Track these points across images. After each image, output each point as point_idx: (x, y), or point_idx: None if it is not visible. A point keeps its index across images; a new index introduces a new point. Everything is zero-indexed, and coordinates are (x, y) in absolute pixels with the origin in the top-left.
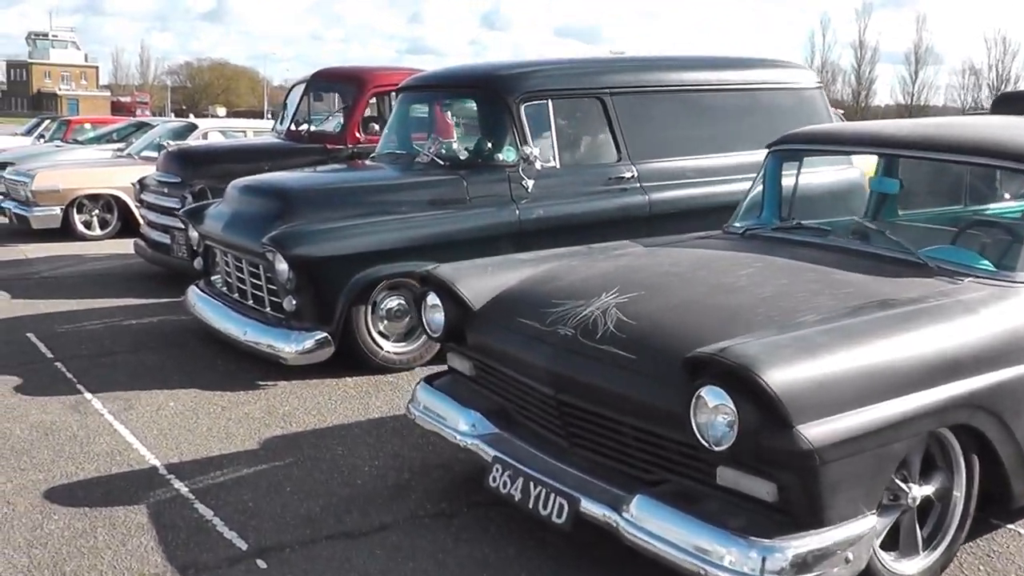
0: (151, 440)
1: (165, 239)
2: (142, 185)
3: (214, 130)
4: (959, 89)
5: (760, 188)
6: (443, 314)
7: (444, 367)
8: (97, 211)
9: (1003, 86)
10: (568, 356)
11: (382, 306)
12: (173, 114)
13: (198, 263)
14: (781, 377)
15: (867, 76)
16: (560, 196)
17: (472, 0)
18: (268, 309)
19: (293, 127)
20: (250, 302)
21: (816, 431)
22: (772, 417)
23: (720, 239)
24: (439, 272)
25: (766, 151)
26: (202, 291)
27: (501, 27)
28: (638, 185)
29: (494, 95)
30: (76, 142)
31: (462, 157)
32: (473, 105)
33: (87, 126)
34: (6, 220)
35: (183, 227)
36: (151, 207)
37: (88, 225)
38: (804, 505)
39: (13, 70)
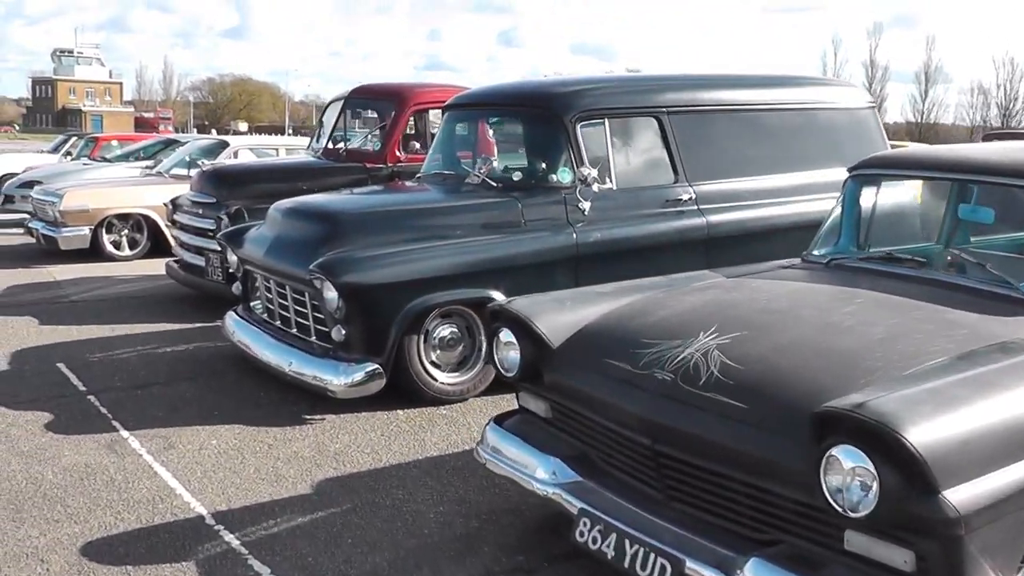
0: (195, 484)
1: (199, 261)
2: (175, 205)
3: (245, 148)
4: (968, 108)
5: (839, 213)
6: (519, 352)
7: (500, 397)
8: (127, 231)
9: (1011, 105)
10: (667, 404)
11: (434, 335)
12: (195, 129)
13: (237, 288)
14: (925, 436)
15: (878, 94)
16: (617, 219)
17: (489, 18)
18: (314, 339)
19: (330, 145)
20: (294, 331)
21: (962, 495)
22: (917, 481)
23: (804, 269)
24: (514, 307)
25: (845, 175)
26: (241, 317)
27: (518, 44)
28: (696, 207)
29: (549, 114)
30: (104, 160)
31: (515, 178)
32: (526, 124)
33: (114, 143)
34: (33, 240)
35: (219, 250)
36: (184, 228)
37: (117, 245)
38: (944, 574)
39: (38, 86)
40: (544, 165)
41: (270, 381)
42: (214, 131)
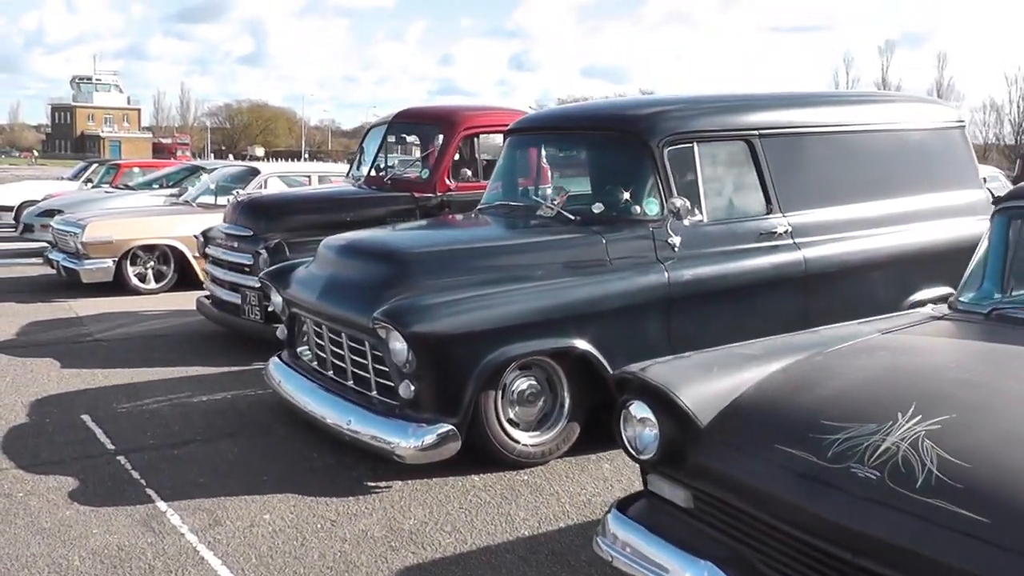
0: (250, 574)
1: (234, 298)
2: (206, 238)
3: (276, 176)
4: (981, 126)
5: (985, 253)
6: (657, 430)
7: (585, 459)
8: (152, 263)
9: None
10: (874, 510)
11: (512, 389)
12: (212, 155)
13: (282, 333)
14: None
15: None
16: (709, 255)
17: (501, 42)
18: (375, 393)
19: (374, 173)
20: (351, 383)
21: None
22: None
23: (965, 320)
24: (651, 375)
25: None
26: (287, 365)
27: (529, 68)
28: (791, 241)
29: (633, 138)
30: (126, 187)
31: (596, 210)
32: (605, 150)
33: (136, 170)
34: (53, 271)
35: (257, 287)
36: (217, 262)
37: (142, 278)
38: None
39: (58, 113)
40: (627, 195)
41: (323, 439)
42: (231, 156)
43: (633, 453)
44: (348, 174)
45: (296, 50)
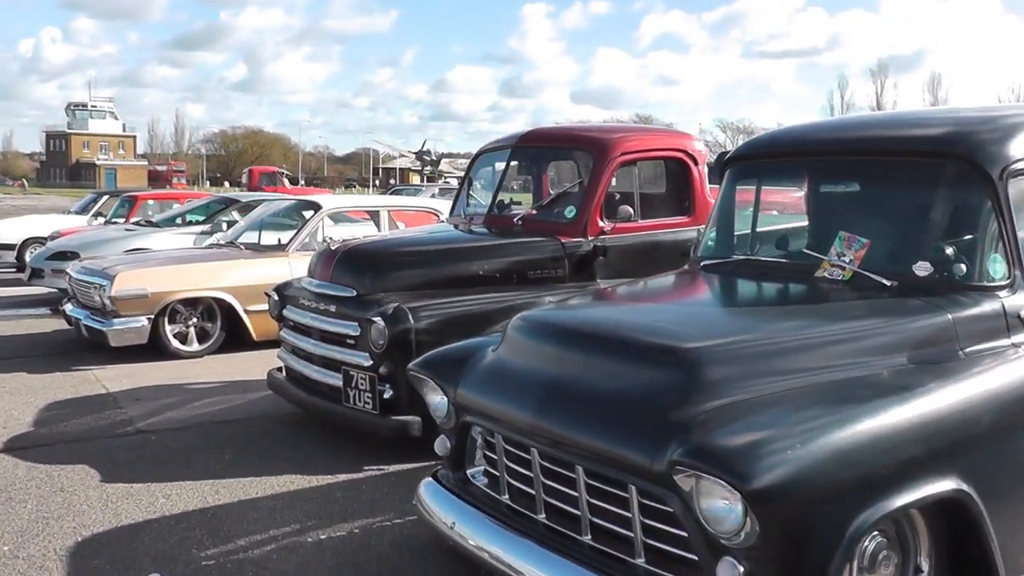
0: None
1: (331, 379)
2: (283, 296)
3: (340, 210)
4: None
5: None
6: None
7: None
8: (195, 320)
9: None
10: None
11: (864, 555)
12: (208, 182)
13: (443, 447)
14: None
15: None
16: None
17: (493, 68)
18: (641, 562)
19: (496, 212)
20: (586, 537)
21: None
22: None
23: None
24: None
25: None
26: (453, 493)
27: (521, 94)
28: None
29: (962, 166)
30: (149, 223)
31: (921, 272)
32: (912, 183)
33: (150, 202)
34: (67, 325)
35: (370, 369)
36: (302, 330)
37: (183, 338)
38: None
39: (52, 140)
40: (957, 249)
41: None
42: (227, 183)
43: None
44: (452, 211)
45: (290, 76)
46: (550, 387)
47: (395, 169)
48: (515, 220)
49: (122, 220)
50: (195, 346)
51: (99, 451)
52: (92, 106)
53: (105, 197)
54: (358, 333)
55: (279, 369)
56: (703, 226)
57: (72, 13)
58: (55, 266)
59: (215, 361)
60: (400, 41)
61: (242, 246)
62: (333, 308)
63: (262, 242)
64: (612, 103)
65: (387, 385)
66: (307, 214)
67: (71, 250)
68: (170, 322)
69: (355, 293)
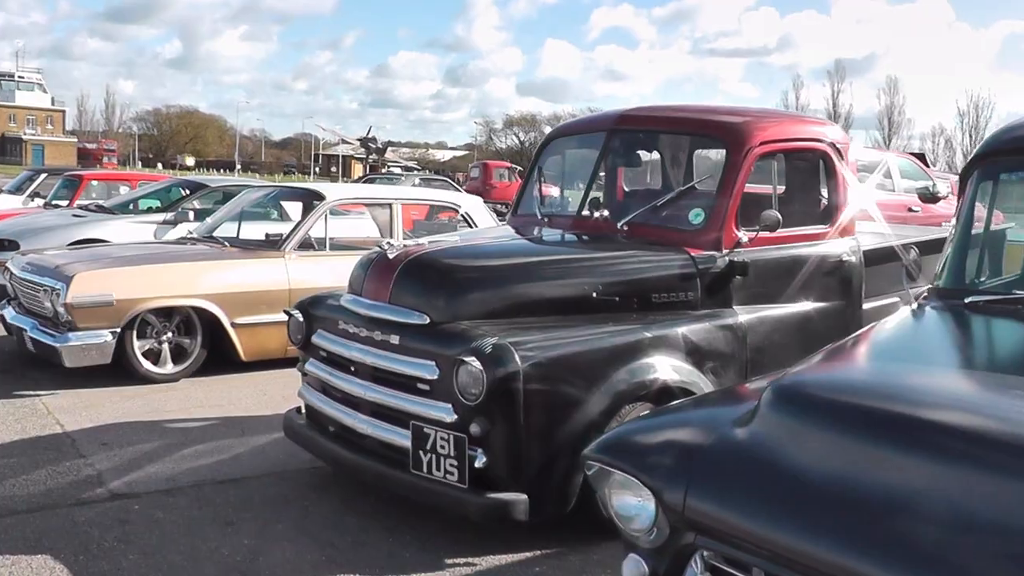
0: None
1: (392, 436)
2: (309, 317)
3: (348, 201)
4: (931, 154)
5: None
6: None
7: None
8: (170, 334)
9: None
10: None
11: None
12: (140, 162)
13: (637, 572)
14: None
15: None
16: None
17: (438, 55)
18: None
19: (588, 212)
20: None
21: None
22: None
23: None
24: None
25: None
26: None
27: (466, 83)
28: None
29: None
30: (101, 209)
31: None
32: None
33: (93, 183)
34: (7, 334)
35: (452, 426)
36: (342, 364)
37: (154, 357)
38: None
39: None
40: None
41: None
42: (160, 165)
43: None
44: (516, 210)
45: (226, 55)
46: (903, 512)
47: (337, 156)
48: (619, 227)
49: (65, 203)
50: (169, 367)
51: (63, 530)
52: (19, 76)
53: (43, 175)
54: (436, 376)
55: (298, 410)
56: (909, 243)
57: None
58: None
59: (195, 387)
60: (342, 23)
61: (225, 242)
62: (395, 339)
63: (242, 236)
64: (558, 96)
65: (479, 449)
66: (293, 206)
67: (8, 238)
68: (139, 336)
69: (428, 320)
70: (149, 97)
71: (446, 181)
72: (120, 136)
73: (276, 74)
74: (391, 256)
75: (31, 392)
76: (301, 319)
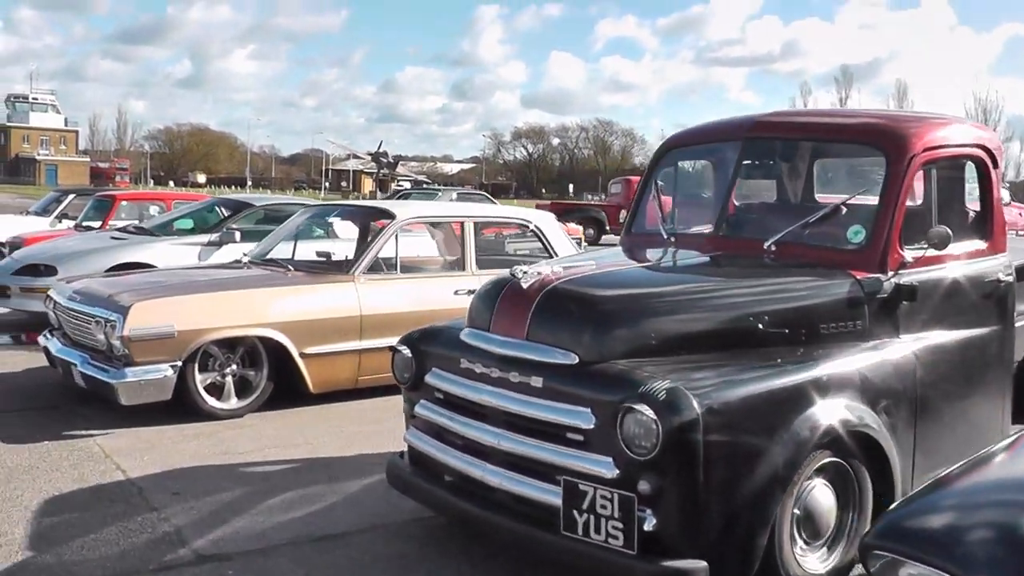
0: None
1: (534, 491)
2: (418, 352)
3: (422, 221)
4: None
5: None
6: None
7: None
8: (233, 366)
9: None
10: None
11: None
12: (152, 180)
13: None
14: None
15: None
16: None
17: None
18: None
19: (725, 231)
20: None
21: None
22: None
23: None
24: None
25: None
26: None
27: (472, 96)
28: None
29: None
30: (140, 230)
31: None
32: None
33: (124, 203)
34: (51, 366)
35: (613, 484)
36: (466, 408)
37: (217, 391)
38: None
39: None
40: None
41: None
42: (171, 183)
43: None
44: (631, 227)
45: (236, 74)
46: None
47: (348, 171)
48: (766, 245)
49: (97, 224)
50: (233, 402)
51: None
52: (34, 98)
53: (71, 196)
54: (592, 425)
55: (401, 455)
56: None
57: (14, 3)
58: (25, 283)
59: (263, 423)
60: (350, 41)
61: (288, 266)
62: (537, 381)
63: (296, 257)
64: (563, 107)
65: (649, 510)
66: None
67: (45, 263)
68: (201, 370)
69: (576, 358)
70: (160, 116)
71: (483, 195)
72: (132, 155)
73: (285, 91)
74: (525, 285)
75: (83, 432)
76: (409, 355)
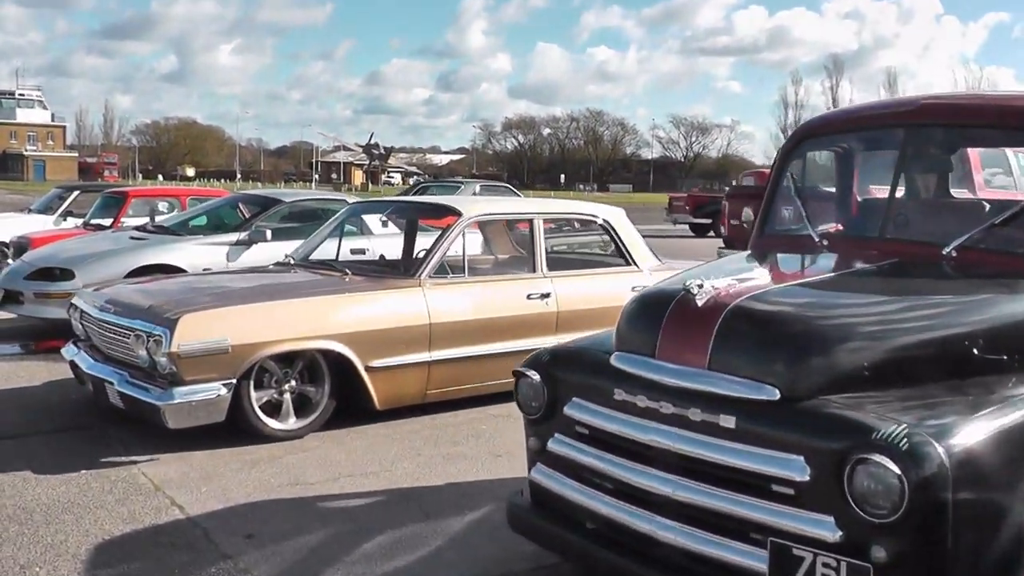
0: None
1: (713, 549)
2: (555, 380)
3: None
4: None
5: None
6: None
7: None
8: (292, 382)
9: None
10: None
11: None
12: (140, 175)
13: None
14: None
15: None
16: None
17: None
18: None
19: (892, 231)
20: None
21: None
22: None
23: None
24: None
25: None
26: None
27: (458, 88)
28: None
29: None
30: (161, 229)
31: None
32: None
33: (136, 200)
34: (78, 382)
35: (841, 549)
36: (624, 448)
37: (274, 410)
38: None
39: None
40: None
41: None
42: (160, 176)
43: None
44: (764, 228)
45: (221, 68)
46: None
47: (338, 163)
48: (945, 251)
49: (107, 223)
50: (292, 422)
51: None
52: (20, 95)
53: (75, 192)
54: (807, 477)
55: (520, 492)
56: None
57: None
58: (39, 288)
59: (328, 445)
60: (335, 34)
61: (345, 269)
62: (728, 421)
63: (340, 259)
64: (550, 98)
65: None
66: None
67: (60, 266)
68: (256, 387)
69: (778, 395)
70: (147, 110)
71: (508, 188)
72: (119, 149)
73: (271, 85)
74: (701, 302)
75: (123, 458)
76: (538, 380)
